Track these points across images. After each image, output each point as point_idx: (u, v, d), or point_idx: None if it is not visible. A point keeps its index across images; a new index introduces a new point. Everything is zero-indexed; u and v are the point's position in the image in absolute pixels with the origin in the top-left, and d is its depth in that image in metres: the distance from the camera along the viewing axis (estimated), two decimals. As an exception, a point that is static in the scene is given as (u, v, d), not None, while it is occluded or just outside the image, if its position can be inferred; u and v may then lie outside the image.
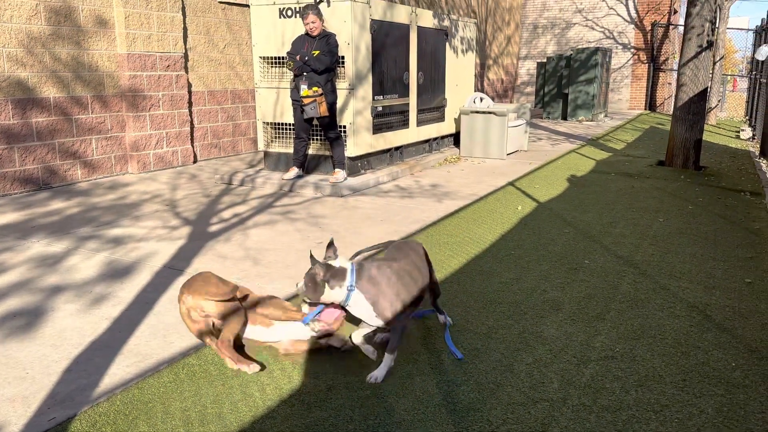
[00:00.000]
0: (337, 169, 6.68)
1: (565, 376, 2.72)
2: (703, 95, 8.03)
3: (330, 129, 6.55)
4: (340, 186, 6.44)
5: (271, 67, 7.18)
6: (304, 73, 6.30)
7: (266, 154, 7.42)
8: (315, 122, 6.72)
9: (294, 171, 6.77)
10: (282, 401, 2.50)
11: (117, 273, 3.96)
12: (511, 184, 7.10)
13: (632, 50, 17.99)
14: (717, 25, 8.09)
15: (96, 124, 7.08)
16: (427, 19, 8.22)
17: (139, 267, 4.07)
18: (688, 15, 7.97)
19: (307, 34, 6.40)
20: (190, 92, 8.24)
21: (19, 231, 4.94)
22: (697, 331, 3.19)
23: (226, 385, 2.62)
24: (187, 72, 8.14)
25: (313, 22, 6.27)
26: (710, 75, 8.10)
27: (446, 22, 8.81)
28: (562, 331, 3.18)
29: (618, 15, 18.06)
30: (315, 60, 6.23)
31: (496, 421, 2.37)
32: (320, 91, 6.25)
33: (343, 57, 6.67)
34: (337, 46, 6.36)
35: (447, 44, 8.92)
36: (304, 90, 6.25)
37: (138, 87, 7.36)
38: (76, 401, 2.47)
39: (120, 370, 2.72)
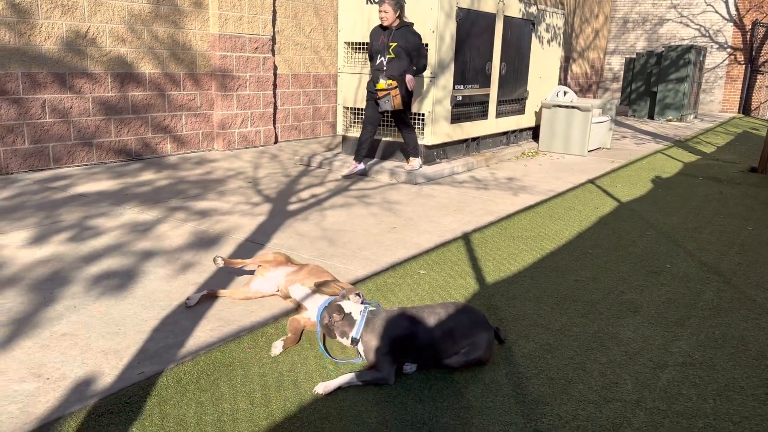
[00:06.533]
0: (412, 157, 6.69)
1: (640, 378, 2.66)
2: (806, 100, 7.54)
3: (402, 120, 6.44)
4: (415, 174, 6.48)
5: (355, 52, 7.27)
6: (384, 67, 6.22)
7: (344, 138, 7.54)
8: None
9: (358, 167, 6.51)
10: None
11: (203, 243, 4.16)
12: (592, 182, 6.93)
13: (729, 50, 17.05)
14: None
15: (187, 101, 7.40)
16: (514, 8, 8.09)
17: (224, 239, 4.26)
18: (796, 13, 7.48)
19: (380, 25, 6.25)
20: (275, 74, 8.46)
21: (113, 198, 5.25)
22: (784, 345, 3.05)
23: (301, 356, 2.72)
24: (273, 54, 8.36)
25: (385, 12, 6.04)
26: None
27: (533, 12, 8.64)
28: (639, 333, 3.10)
29: (716, 12, 17.13)
30: (391, 63, 6.13)
31: (566, 416, 2.36)
32: (394, 84, 6.10)
33: (426, 45, 6.65)
34: (420, 38, 6.17)
35: (533, 35, 8.75)
36: (380, 83, 6.13)
37: (227, 67, 7.63)
38: (164, 358, 2.63)
39: (204, 333, 2.88)
